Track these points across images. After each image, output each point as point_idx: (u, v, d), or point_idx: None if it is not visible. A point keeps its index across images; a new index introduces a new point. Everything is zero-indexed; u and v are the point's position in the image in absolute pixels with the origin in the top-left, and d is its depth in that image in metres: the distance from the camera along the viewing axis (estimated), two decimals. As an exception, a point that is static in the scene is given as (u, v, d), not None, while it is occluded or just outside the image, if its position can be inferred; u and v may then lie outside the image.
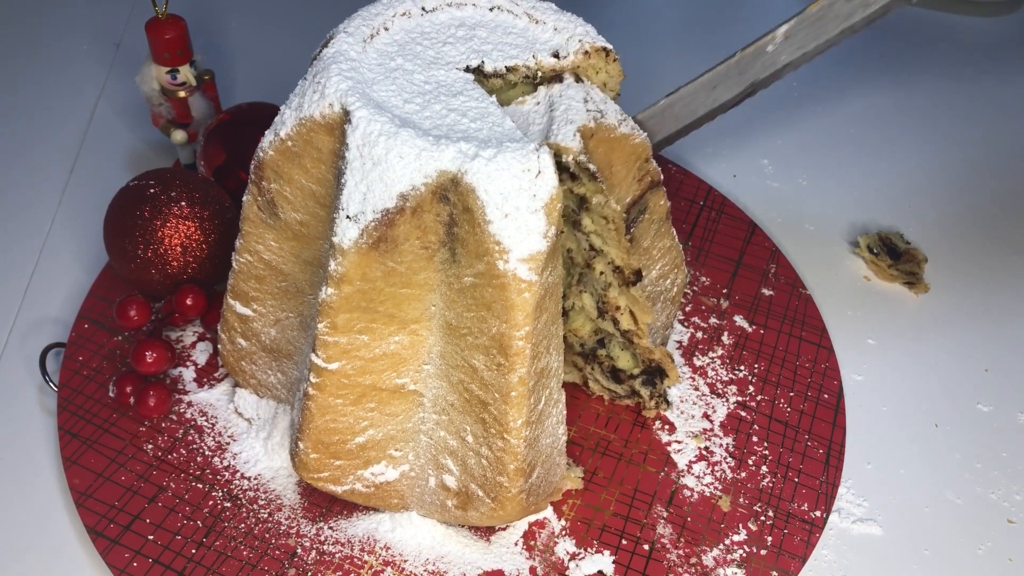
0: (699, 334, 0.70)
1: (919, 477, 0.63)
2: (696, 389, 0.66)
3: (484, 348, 0.49)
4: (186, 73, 0.73)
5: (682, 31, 1.05)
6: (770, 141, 0.89)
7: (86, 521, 0.56)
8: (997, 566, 0.59)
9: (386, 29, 0.54)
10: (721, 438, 0.63)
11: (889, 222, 0.81)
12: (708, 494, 0.60)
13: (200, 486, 0.58)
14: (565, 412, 0.56)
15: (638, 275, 0.55)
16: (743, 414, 0.65)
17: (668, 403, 0.63)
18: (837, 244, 0.79)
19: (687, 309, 0.71)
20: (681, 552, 0.57)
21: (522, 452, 0.51)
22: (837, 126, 0.91)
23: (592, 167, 0.50)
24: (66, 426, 0.61)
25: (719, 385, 0.66)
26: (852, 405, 0.67)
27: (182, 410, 0.62)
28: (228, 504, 0.58)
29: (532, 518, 0.58)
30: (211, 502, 0.58)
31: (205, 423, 0.62)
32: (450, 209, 0.46)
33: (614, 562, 0.56)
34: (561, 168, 0.49)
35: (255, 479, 0.59)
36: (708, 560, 0.57)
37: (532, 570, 0.56)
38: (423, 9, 0.55)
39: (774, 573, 0.56)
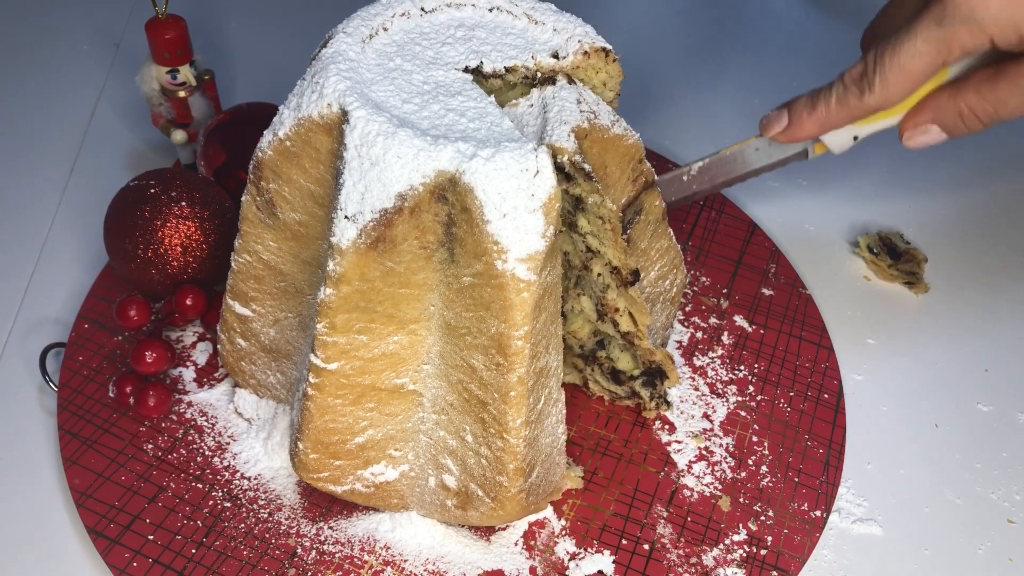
0: (699, 334, 0.70)
1: (919, 477, 0.63)
2: (696, 389, 0.66)
3: (483, 348, 0.49)
4: (186, 73, 0.73)
5: (682, 31, 1.05)
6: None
7: (86, 521, 0.56)
8: (997, 566, 0.59)
9: (385, 29, 0.54)
10: (721, 438, 0.63)
11: (889, 222, 0.81)
12: (708, 494, 0.60)
13: (200, 486, 0.58)
14: (565, 412, 0.56)
15: (636, 275, 0.55)
16: (743, 414, 0.65)
17: (668, 404, 0.63)
18: (837, 244, 0.79)
19: (687, 309, 0.71)
20: (681, 552, 0.57)
21: (521, 452, 0.51)
22: (837, 126, 0.91)
23: (587, 167, 0.50)
24: (66, 426, 0.61)
25: (719, 385, 0.66)
26: (852, 405, 0.66)
27: (182, 410, 0.63)
28: (228, 504, 0.58)
29: (532, 518, 0.58)
30: (211, 502, 0.58)
31: (205, 423, 0.62)
32: (448, 209, 0.46)
33: (614, 562, 0.56)
34: (556, 169, 0.49)
35: (255, 479, 0.59)
36: (708, 560, 0.57)
37: (532, 570, 0.56)
38: (422, 10, 0.55)
39: (774, 573, 0.56)
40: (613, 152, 0.53)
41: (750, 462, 0.62)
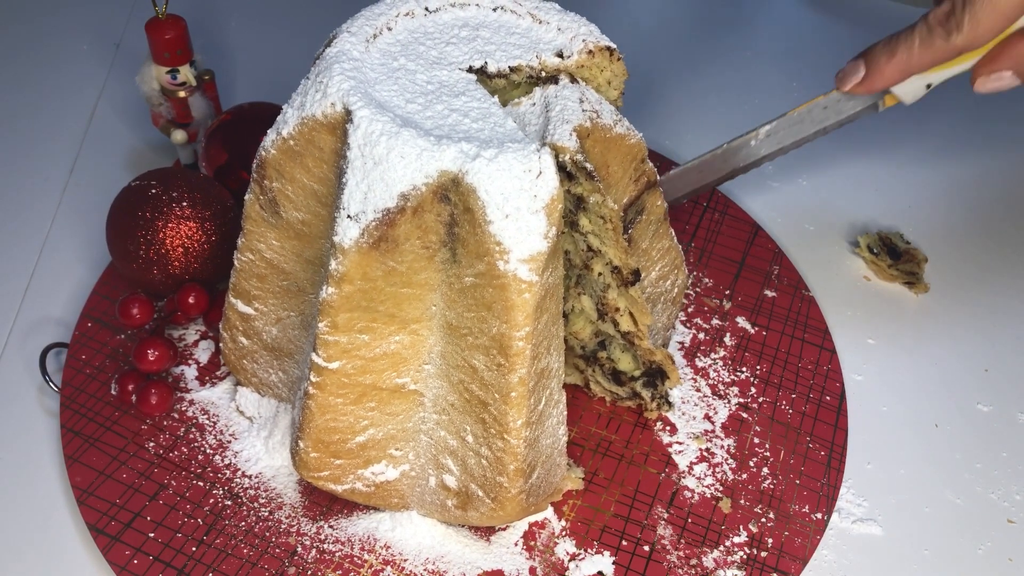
0: (701, 335, 0.70)
1: (919, 477, 0.63)
2: (698, 390, 0.66)
3: (484, 348, 0.49)
4: (186, 73, 0.73)
5: (685, 32, 1.05)
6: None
7: (87, 519, 0.56)
8: (997, 566, 0.59)
9: (389, 29, 0.54)
10: (722, 439, 0.63)
11: (889, 222, 0.81)
12: (709, 495, 0.60)
13: (201, 484, 0.58)
14: (566, 413, 0.56)
15: (636, 275, 0.55)
16: (745, 416, 0.65)
17: (670, 404, 0.63)
18: (837, 244, 0.79)
19: (689, 310, 0.71)
20: (681, 553, 0.57)
21: (522, 452, 0.51)
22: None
23: (589, 166, 0.50)
24: (68, 424, 0.61)
25: (721, 386, 0.66)
26: (852, 405, 0.67)
27: (184, 408, 0.63)
28: (229, 502, 0.58)
29: (532, 518, 0.58)
30: (212, 500, 0.58)
31: (207, 421, 0.62)
32: (451, 209, 0.46)
33: (614, 563, 0.56)
34: (558, 168, 0.50)
35: (256, 477, 0.59)
36: (708, 562, 0.57)
37: (532, 570, 0.56)
38: (426, 9, 0.55)
39: (774, 575, 0.56)
40: (615, 151, 0.53)
41: (751, 464, 0.62)
